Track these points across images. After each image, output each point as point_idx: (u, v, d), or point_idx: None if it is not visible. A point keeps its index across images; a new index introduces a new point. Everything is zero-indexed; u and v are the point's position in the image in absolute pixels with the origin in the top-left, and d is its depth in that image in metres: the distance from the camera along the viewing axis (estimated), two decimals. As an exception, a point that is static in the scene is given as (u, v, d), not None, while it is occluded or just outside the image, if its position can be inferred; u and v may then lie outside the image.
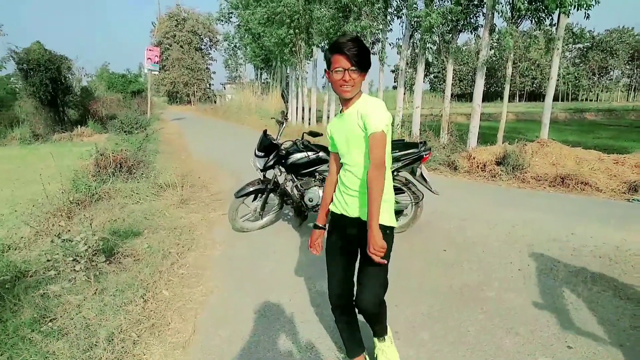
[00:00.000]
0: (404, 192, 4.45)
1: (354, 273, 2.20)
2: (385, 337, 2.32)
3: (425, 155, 4.32)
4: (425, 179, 4.41)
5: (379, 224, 1.89)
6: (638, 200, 6.23)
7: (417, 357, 2.49)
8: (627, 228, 4.62)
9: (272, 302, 3.19)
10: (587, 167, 7.62)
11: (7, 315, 2.78)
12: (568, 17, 9.17)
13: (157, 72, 28.47)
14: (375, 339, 2.33)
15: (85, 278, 3.23)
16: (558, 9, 8.86)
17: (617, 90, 70.18)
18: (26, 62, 19.06)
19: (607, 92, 70.63)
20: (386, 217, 2.00)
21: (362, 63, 1.91)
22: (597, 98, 68.51)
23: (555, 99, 62.21)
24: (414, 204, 4.49)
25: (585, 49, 64.09)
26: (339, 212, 2.14)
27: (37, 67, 18.96)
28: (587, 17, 9.35)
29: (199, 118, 30.78)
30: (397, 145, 4.32)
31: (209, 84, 65.19)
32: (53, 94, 20.00)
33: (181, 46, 59.29)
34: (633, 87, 68.36)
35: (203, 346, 2.63)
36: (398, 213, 4.51)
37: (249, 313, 3.03)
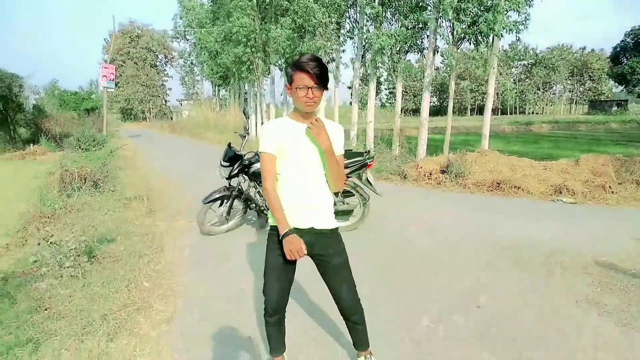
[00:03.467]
0: (353, 195, 5.10)
1: (291, 284, 2.30)
2: (372, 358, 2.45)
3: (370, 162, 5.01)
4: (370, 183, 5.09)
5: (330, 229, 2.19)
6: (561, 200, 7.12)
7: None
8: (541, 222, 5.48)
9: (240, 288, 3.73)
10: (520, 173, 8.54)
11: (6, 306, 3.17)
12: (500, 39, 10.26)
13: (112, 89, 28.25)
14: (362, 358, 2.44)
15: (74, 273, 3.65)
16: (491, 32, 9.89)
17: (561, 104, 74.63)
18: (-26, 81, 18.75)
19: (551, 105, 74.94)
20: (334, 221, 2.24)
21: (323, 81, 2.02)
22: (543, 111, 72.58)
23: (504, 112, 65.31)
24: (362, 204, 5.15)
25: (529, 66, 68.07)
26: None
27: (-14, 86, 18.69)
28: (518, 39, 10.54)
29: (155, 135, 30.73)
30: (345, 154, 4.98)
31: (165, 101, 64.72)
32: (3, 113, 19.64)
33: (135, 63, 58.80)
34: (574, 100, 72.88)
35: (184, 321, 3.14)
36: (348, 213, 5.15)
37: (220, 297, 3.56)
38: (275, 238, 2.18)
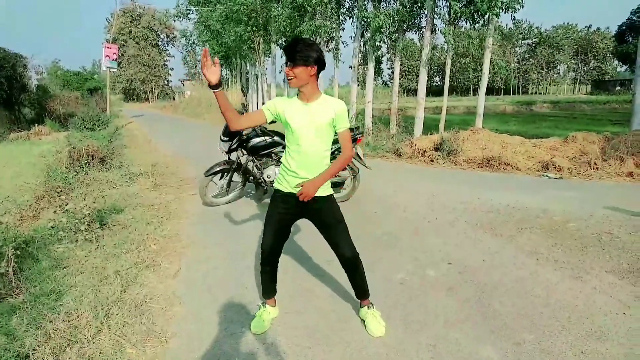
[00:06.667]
0: (344, 169, 5.44)
1: (286, 239, 2.71)
2: (374, 307, 2.78)
3: (359, 137, 5.35)
4: (360, 157, 5.44)
5: (329, 195, 2.58)
6: (547, 176, 7.45)
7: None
8: (522, 194, 5.83)
9: (239, 249, 4.14)
10: (510, 150, 8.85)
11: (30, 265, 3.57)
12: (498, 17, 10.43)
13: (115, 69, 28.42)
14: (365, 308, 2.77)
15: (88, 237, 4.04)
16: (488, 11, 10.05)
17: (564, 83, 73.92)
18: (-22, 61, 18.92)
19: (554, 85, 74.24)
20: (329, 189, 2.61)
21: (295, 58, 2.27)
22: (546, 91, 72.02)
23: (507, 92, 64.73)
24: (352, 177, 5.51)
25: (533, 45, 67.36)
26: (287, 191, 2.53)
27: (-9, 66, 18.86)
28: (513, 19, 10.68)
29: (158, 115, 30.94)
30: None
31: (167, 81, 64.61)
32: (8, 93, 19.85)
33: (137, 42, 58.53)
34: (578, 80, 72.24)
35: (188, 276, 3.55)
36: (339, 185, 5.52)
37: (221, 256, 3.98)
38: (277, 197, 2.60)
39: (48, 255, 3.75)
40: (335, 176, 5.54)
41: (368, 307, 2.78)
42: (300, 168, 2.47)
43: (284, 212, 2.58)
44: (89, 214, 4.19)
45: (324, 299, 3.12)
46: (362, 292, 2.78)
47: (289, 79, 2.35)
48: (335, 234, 2.60)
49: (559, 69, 73.23)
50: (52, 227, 4.21)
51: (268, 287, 2.83)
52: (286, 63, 2.36)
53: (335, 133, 2.50)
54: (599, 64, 68.75)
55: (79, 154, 8.35)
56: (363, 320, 2.77)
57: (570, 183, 6.82)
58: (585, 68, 70.72)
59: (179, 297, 3.14)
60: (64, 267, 3.59)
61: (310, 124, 2.41)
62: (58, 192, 6.31)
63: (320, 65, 2.35)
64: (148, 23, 59.13)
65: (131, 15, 58.47)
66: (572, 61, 70.58)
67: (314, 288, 3.30)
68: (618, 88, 58.58)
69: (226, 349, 2.55)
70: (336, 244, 2.61)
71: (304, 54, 2.28)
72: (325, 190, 2.57)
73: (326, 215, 2.59)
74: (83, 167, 7.90)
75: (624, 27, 59.10)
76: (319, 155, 2.48)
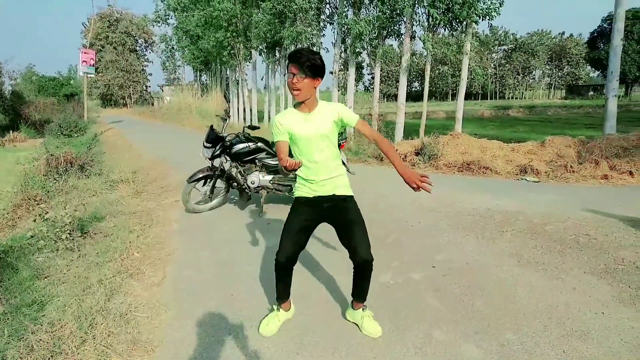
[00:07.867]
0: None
1: (304, 246, 2.66)
2: (367, 308, 2.79)
3: (342, 142, 5.39)
4: (343, 162, 5.47)
5: (349, 195, 2.61)
6: (525, 179, 7.61)
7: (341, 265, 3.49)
8: (502, 197, 5.94)
9: (223, 257, 4.12)
10: (489, 155, 9.01)
11: (9, 275, 3.49)
12: (477, 24, 10.66)
13: (93, 75, 27.98)
14: (360, 310, 2.77)
15: (69, 246, 3.98)
16: (467, 18, 10.26)
17: (539, 88, 75.74)
18: (-49, 65, 18.43)
19: (530, 90, 76.04)
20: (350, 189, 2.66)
21: (308, 69, 2.28)
22: (522, 96, 73.67)
23: (485, 97, 65.98)
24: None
25: (509, 51, 68.92)
26: (312, 196, 2.55)
27: (-36, 71, 18.38)
28: (490, 26, 10.93)
29: (137, 121, 30.51)
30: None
31: (146, 86, 63.78)
32: (-19, 99, 19.38)
33: (115, 47, 57.67)
34: (553, 85, 74.10)
35: (173, 283, 3.53)
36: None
37: (206, 263, 3.96)
38: (298, 204, 2.61)
39: (28, 265, 3.68)
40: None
41: (362, 310, 2.79)
42: (317, 174, 2.51)
43: (307, 217, 2.59)
44: (70, 222, 4.12)
45: (311, 304, 3.13)
46: (363, 295, 2.76)
47: (295, 91, 2.34)
48: (357, 233, 2.56)
49: (534, 75, 75.10)
50: (32, 237, 4.14)
51: (284, 291, 2.79)
52: (287, 73, 2.37)
53: (342, 131, 2.56)
54: (572, 69, 70.69)
55: (57, 161, 8.21)
56: (355, 323, 2.80)
57: (548, 186, 6.97)
58: (559, 73, 72.62)
59: (164, 306, 3.12)
60: (45, 277, 3.53)
61: (316, 133, 2.44)
62: (37, 201, 6.20)
63: (323, 76, 2.39)
64: (126, 28, 58.30)
65: (108, 20, 57.59)
66: (547, 67, 72.45)
67: (302, 293, 3.31)
68: (591, 93, 60.28)
69: (213, 357, 2.54)
70: (356, 245, 2.55)
71: (313, 65, 2.31)
72: (349, 190, 2.64)
73: (352, 214, 2.60)
74: (62, 175, 7.76)
75: (595, 34, 60.90)
76: (331, 158, 2.54)
